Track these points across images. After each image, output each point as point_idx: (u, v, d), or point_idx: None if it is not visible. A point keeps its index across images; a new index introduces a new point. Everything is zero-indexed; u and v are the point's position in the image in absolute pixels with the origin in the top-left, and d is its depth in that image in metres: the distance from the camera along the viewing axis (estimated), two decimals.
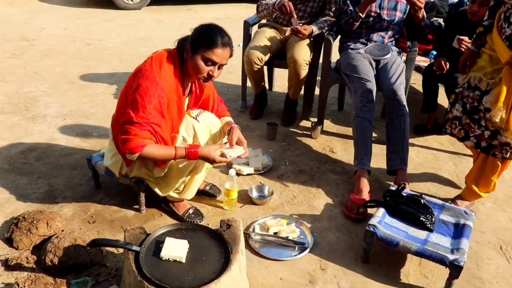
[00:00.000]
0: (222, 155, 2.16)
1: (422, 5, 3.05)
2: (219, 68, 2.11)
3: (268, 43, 3.42)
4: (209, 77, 2.10)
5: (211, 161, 2.14)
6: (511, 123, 2.23)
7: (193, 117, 2.25)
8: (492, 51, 2.29)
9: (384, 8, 3.19)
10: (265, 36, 3.50)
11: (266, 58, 3.44)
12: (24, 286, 1.79)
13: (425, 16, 3.21)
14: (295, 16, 3.29)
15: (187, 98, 2.32)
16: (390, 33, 3.30)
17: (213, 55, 2.03)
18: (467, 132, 2.47)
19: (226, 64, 2.13)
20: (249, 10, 7.34)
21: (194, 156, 2.09)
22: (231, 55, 2.14)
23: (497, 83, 2.25)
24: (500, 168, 2.50)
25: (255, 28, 3.81)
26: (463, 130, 2.49)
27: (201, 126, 2.24)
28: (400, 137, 2.84)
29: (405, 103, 2.90)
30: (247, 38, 3.66)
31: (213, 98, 2.44)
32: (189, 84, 2.28)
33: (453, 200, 2.61)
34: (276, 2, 3.29)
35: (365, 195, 2.62)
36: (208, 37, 2.04)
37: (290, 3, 3.24)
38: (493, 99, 2.24)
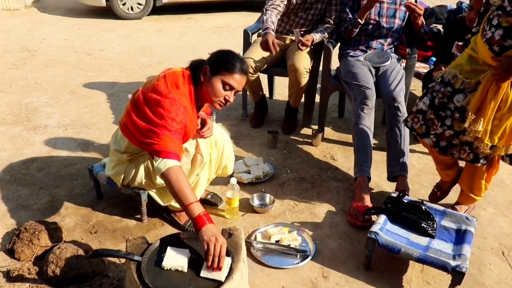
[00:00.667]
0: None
1: (422, 12, 3.07)
2: (234, 94, 2.12)
3: (265, 53, 3.40)
4: (225, 102, 2.10)
5: (207, 237, 1.70)
6: (490, 135, 2.22)
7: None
8: (473, 52, 2.28)
9: (383, 16, 3.21)
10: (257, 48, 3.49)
11: (261, 67, 3.45)
12: None
13: (424, 22, 3.22)
14: (276, 50, 3.21)
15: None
16: (389, 40, 3.31)
17: (232, 80, 2.04)
18: (428, 128, 2.40)
19: (240, 92, 2.15)
20: (249, 19, 7.38)
21: (201, 224, 1.74)
22: (246, 83, 2.17)
23: (471, 85, 2.23)
24: (488, 173, 2.50)
25: (255, 37, 3.83)
26: (425, 125, 2.41)
27: (203, 139, 2.24)
28: (400, 143, 2.84)
29: (404, 109, 2.91)
30: (247, 47, 3.67)
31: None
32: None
33: (452, 207, 2.61)
34: (263, 31, 3.25)
35: (368, 202, 2.62)
36: (229, 61, 2.06)
37: (274, 40, 3.17)
38: (469, 106, 2.20)
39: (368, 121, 2.87)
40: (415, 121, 2.45)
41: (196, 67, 2.13)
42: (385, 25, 3.22)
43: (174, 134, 1.92)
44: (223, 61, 2.06)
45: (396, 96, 2.90)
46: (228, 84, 2.05)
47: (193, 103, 2.10)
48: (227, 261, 1.70)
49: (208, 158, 2.29)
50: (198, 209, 1.77)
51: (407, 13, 3.20)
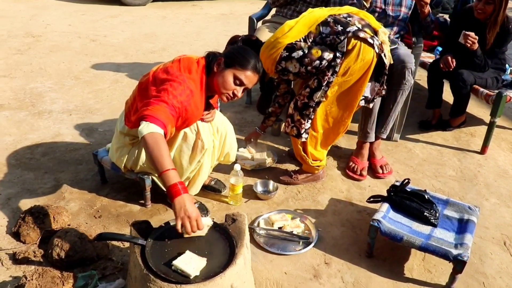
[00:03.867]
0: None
1: (428, 0, 3.04)
2: (243, 90, 2.13)
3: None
4: (233, 96, 2.10)
5: (178, 212, 1.67)
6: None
7: None
8: None
9: (389, 4, 3.18)
10: (262, 36, 3.46)
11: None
12: (32, 279, 1.81)
13: (431, 12, 3.20)
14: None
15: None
16: (395, 29, 3.28)
17: (244, 76, 2.06)
18: (298, 129, 2.58)
19: (250, 89, 2.16)
20: (254, 6, 7.34)
21: (175, 194, 1.67)
22: (256, 82, 2.17)
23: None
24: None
25: (260, 24, 3.82)
26: (295, 127, 2.59)
27: (204, 123, 2.25)
28: (392, 108, 2.94)
29: (411, 78, 2.89)
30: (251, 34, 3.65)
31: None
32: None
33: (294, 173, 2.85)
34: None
35: (365, 160, 2.99)
36: (244, 57, 2.07)
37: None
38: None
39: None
40: (286, 125, 2.66)
41: (211, 58, 2.14)
42: (391, 13, 3.19)
43: (169, 107, 1.85)
44: (239, 56, 2.08)
45: (406, 59, 2.85)
46: (239, 79, 2.06)
47: (203, 91, 2.10)
48: (207, 222, 1.77)
49: (211, 144, 2.29)
50: (173, 176, 1.67)
51: (414, 2, 3.17)
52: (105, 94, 4.05)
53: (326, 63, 2.40)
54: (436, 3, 5.31)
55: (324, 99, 2.50)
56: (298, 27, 2.41)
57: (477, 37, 3.04)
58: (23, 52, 5.16)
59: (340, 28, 2.38)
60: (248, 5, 8.04)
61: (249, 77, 2.08)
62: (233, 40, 2.74)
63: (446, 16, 4.54)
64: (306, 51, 2.38)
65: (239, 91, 2.10)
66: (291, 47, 2.39)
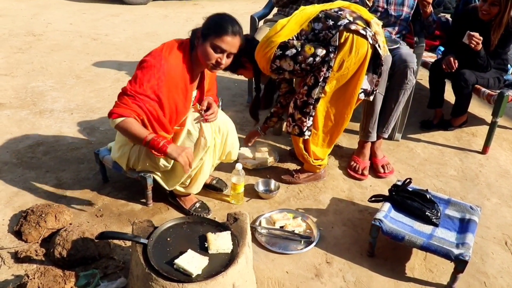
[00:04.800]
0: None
1: (431, 0, 3.04)
2: (228, 56, 2.13)
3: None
4: (217, 64, 2.12)
5: (175, 157, 2.07)
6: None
7: (199, 111, 2.25)
8: None
9: (391, 3, 3.18)
10: (263, 35, 3.46)
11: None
12: (34, 278, 1.81)
13: (433, 11, 3.19)
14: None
15: (196, 91, 2.34)
16: (397, 28, 3.28)
17: (222, 43, 2.06)
18: (300, 128, 2.58)
19: (235, 53, 2.15)
20: (256, 5, 7.34)
21: (163, 150, 2.05)
22: (241, 45, 2.16)
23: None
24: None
25: (261, 23, 3.81)
26: (296, 126, 2.59)
27: (207, 123, 2.25)
28: (394, 108, 2.95)
29: (413, 77, 2.90)
30: (253, 33, 3.65)
31: (213, 90, 2.49)
32: (199, 75, 2.30)
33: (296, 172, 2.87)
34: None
35: (367, 160, 3.00)
36: (218, 24, 2.07)
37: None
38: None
39: (380, 87, 2.86)
40: (287, 125, 2.66)
41: (194, 34, 2.17)
42: (393, 13, 3.19)
43: (134, 98, 2.04)
44: (213, 25, 2.09)
45: (408, 59, 2.86)
46: (218, 47, 2.07)
47: (186, 64, 2.14)
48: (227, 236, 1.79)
49: (212, 142, 2.29)
50: (153, 137, 2.03)
51: (416, 1, 3.17)
52: (107, 93, 4.05)
53: (320, 60, 2.41)
54: (438, 2, 5.31)
55: (322, 95, 2.50)
56: (290, 25, 2.42)
57: (481, 38, 3.03)
58: (25, 51, 5.16)
59: (331, 22, 2.39)
60: (250, 4, 8.04)
61: (228, 42, 2.07)
62: None
63: (448, 16, 4.54)
64: (299, 49, 2.39)
65: (222, 58, 2.10)
66: (284, 46, 2.40)
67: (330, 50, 2.39)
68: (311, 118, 2.56)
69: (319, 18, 2.43)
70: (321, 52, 2.39)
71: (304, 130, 2.58)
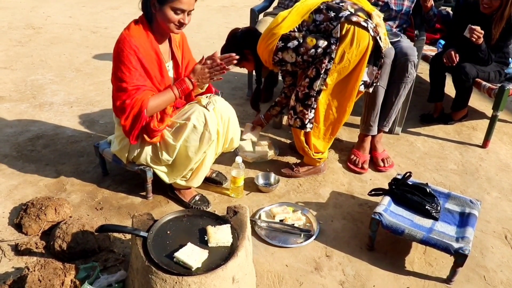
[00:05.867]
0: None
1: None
2: (188, 15, 2.14)
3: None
4: (181, 25, 2.13)
5: (203, 73, 2.19)
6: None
7: (204, 106, 2.24)
8: None
9: None
10: (263, 28, 3.45)
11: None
12: (34, 271, 1.81)
13: (433, 5, 3.18)
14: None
15: (171, 61, 2.35)
16: (398, 22, 3.27)
17: (181, 4, 2.06)
18: (302, 120, 2.58)
19: (193, 9, 2.16)
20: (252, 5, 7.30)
21: (191, 86, 2.21)
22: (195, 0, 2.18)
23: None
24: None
25: (261, 16, 3.80)
26: (298, 119, 2.59)
27: (211, 115, 2.24)
28: (395, 101, 2.95)
29: (414, 71, 2.89)
30: (254, 25, 3.64)
31: (192, 60, 2.48)
32: (168, 44, 2.33)
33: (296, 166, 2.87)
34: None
35: (367, 153, 3.00)
36: None
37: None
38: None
39: (382, 80, 2.86)
40: (289, 118, 2.65)
41: (145, 5, 2.17)
42: (394, 7, 3.17)
43: (136, 94, 2.09)
44: None
45: (408, 52, 2.85)
46: (178, 9, 2.08)
47: (149, 34, 2.17)
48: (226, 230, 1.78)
49: (215, 136, 2.29)
50: (175, 88, 2.19)
51: None
52: (106, 86, 4.04)
53: (322, 51, 2.41)
54: None
55: (324, 87, 2.50)
56: (292, 17, 2.42)
57: (483, 32, 3.02)
58: (24, 44, 5.15)
59: (332, 14, 2.39)
60: None
61: (186, 2, 2.08)
62: (233, 33, 2.74)
63: (449, 9, 4.52)
64: (301, 40, 2.39)
65: (184, 18, 2.12)
66: (286, 38, 2.40)
67: (332, 41, 2.38)
68: (313, 111, 2.56)
69: (320, 10, 2.42)
70: (322, 43, 2.39)
71: (306, 122, 2.57)
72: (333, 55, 2.40)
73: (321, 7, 2.42)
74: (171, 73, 2.34)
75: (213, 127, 2.23)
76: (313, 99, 2.51)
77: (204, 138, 2.22)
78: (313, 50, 2.39)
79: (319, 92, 2.50)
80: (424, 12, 3.19)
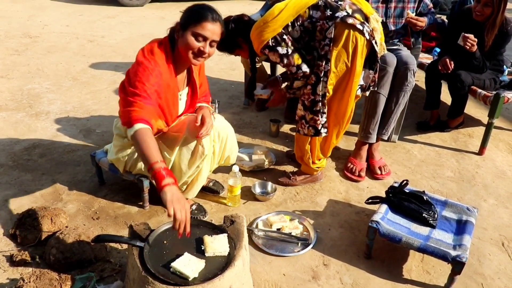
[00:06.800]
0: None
1: (423, 25, 3.00)
2: (211, 45, 2.07)
3: None
4: (200, 53, 2.05)
5: (168, 205, 1.69)
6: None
7: None
8: None
9: (390, 17, 3.08)
10: None
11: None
12: (30, 282, 1.80)
13: (427, 22, 3.14)
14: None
15: (187, 87, 2.31)
16: (395, 37, 3.24)
17: (203, 30, 2.00)
18: (314, 127, 2.56)
19: (217, 41, 2.09)
20: (252, 7, 7.35)
21: (161, 187, 1.72)
22: (223, 34, 2.10)
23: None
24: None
25: None
26: (310, 127, 2.57)
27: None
28: (393, 110, 2.97)
29: (413, 80, 2.91)
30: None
31: (204, 85, 2.44)
32: (186, 72, 2.26)
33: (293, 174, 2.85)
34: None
35: (363, 161, 2.99)
36: (197, 12, 2.03)
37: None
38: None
39: (384, 88, 2.87)
40: (302, 127, 2.61)
41: (172, 32, 2.12)
42: (392, 26, 3.09)
43: (146, 99, 1.92)
44: (192, 14, 2.04)
45: (408, 61, 2.87)
46: (200, 35, 2.00)
47: (171, 65, 2.09)
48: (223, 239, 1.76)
49: (211, 150, 2.28)
50: (161, 168, 1.74)
51: (414, 8, 3.12)
52: (103, 95, 4.04)
53: (302, 74, 2.44)
54: (434, 4, 5.33)
55: (328, 88, 2.46)
56: (288, 10, 2.36)
57: (476, 40, 3.04)
58: (21, 52, 5.15)
59: (329, 12, 2.35)
60: (246, 6, 8.03)
61: (209, 29, 2.00)
62: (226, 21, 2.71)
63: (444, 17, 4.55)
64: (290, 52, 2.39)
65: (205, 46, 2.03)
66: (280, 40, 2.37)
67: (326, 42, 2.36)
68: (324, 115, 2.53)
69: (318, 6, 2.37)
70: (305, 69, 2.42)
71: (320, 128, 2.56)
72: (328, 56, 2.38)
73: (319, 3, 2.37)
74: (183, 101, 2.30)
75: (207, 142, 2.21)
76: (320, 103, 2.49)
77: (197, 152, 2.20)
78: (294, 68, 2.41)
79: (324, 95, 2.48)
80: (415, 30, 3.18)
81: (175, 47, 2.11)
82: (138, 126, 1.84)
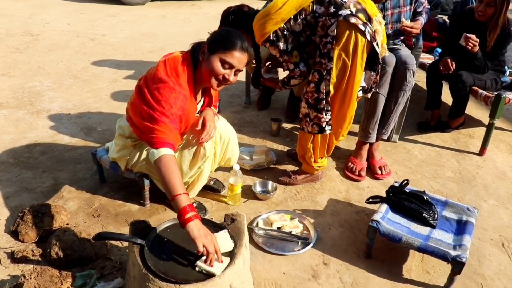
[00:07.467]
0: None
1: (418, 31, 3.00)
2: (235, 74, 2.05)
3: None
4: (224, 80, 2.03)
5: (194, 238, 1.63)
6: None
7: None
8: None
9: (388, 23, 3.08)
10: None
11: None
12: (30, 278, 1.81)
13: (421, 26, 3.14)
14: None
15: (202, 98, 2.30)
16: (395, 39, 3.23)
17: (231, 58, 1.98)
18: (319, 125, 2.57)
19: (242, 70, 2.09)
20: (253, 6, 7.33)
21: (185, 221, 1.66)
22: (247, 63, 2.09)
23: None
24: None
25: None
26: (315, 125, 2.58)
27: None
28: (393, 109, 2.98)
29: (412, 79, 2.91)
30: None
31: (216, 92, 2.43)
32: (200, 91, 2.23)
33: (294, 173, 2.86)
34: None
35: (364, 161, 2.99)
36: (228, 38, 1.99)
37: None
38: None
39: (383, 88, 2.87)
40: (307, 125, 2.62)
41: (196, 49, 2.08)
42: (390, 32, 3.10)
43: (172, 122, 1.90)
44: (222, 38, 2.00)
45: (408, 60, 2.87)
46: (227, 62, 1.98)
47: (191, 87, 2.06)
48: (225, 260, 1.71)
49: (212, 152, 2.28)
50: (185, 201, 1.68)
51: (411, 11, 3.11)
52: (104, 93, 4.04)
53: (298, 73, 2.45)
54: (435, 4, 5.33)
55: (331, 86, 2.46)
56: (291, 3, 2.34)
57: (478, 40, 3.04)
58: (22, 50, 5.15)
59: (333, 9, 2.32)
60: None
61: (237, 58, 1.99)
62: (226, 12, 2.71)
63: (446, 18, 4.55)
64: (289, 49, 2.40)
65: (230, 74, 2.02)
66: (281, 35, 2.37)
67: (328, 40, 2.36)
68: (328, 113, 2.53)
69: (322, 1, 2.34)
70: (302, 67, 2.44)
71: (324, 125, 2.56)
72: (331, 54, 2.37)
73: None
74: (198, 110, 2.29)
75: (208, 144, 2.21)
76: (324, 101, 2.49)
77: (198, 154, 2.21)
78: (292, 65, 2.42)
79: (327, 93, 2.47)
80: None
81: (197, 67, 2.07)
82: (164, 151, 1.80)
